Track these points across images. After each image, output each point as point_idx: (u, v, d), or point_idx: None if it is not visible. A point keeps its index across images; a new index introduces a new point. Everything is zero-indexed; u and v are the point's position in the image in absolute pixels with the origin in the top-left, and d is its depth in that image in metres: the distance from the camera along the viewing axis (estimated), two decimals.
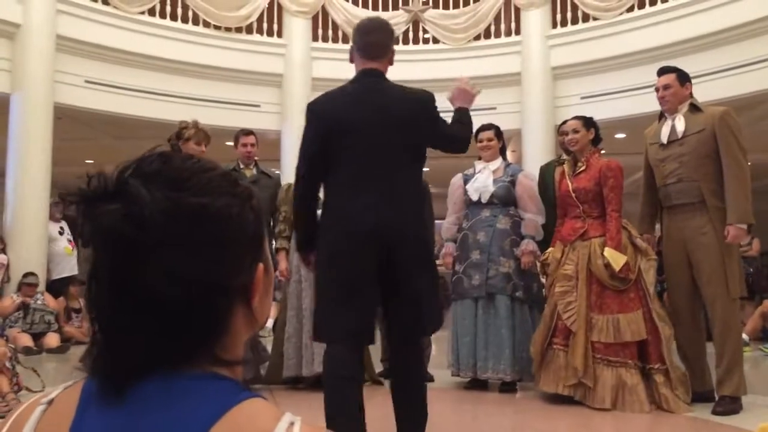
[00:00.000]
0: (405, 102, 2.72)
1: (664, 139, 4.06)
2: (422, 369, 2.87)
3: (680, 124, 4.00)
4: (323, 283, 2.71)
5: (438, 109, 2.79)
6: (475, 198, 4.63)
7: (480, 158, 4.79)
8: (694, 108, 4.04)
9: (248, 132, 5.07)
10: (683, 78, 4.09)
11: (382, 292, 2.65)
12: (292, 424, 0.64)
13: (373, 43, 2.78)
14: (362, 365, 2.76)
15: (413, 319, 2.68)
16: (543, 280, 4.63)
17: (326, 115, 2.70)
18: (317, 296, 2.80)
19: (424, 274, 2.68)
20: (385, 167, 2.65)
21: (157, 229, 0.64)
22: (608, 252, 4.00)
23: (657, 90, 4.12)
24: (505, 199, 4.58)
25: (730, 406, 3.78)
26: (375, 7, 9.95)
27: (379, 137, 2.64)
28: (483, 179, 4.64)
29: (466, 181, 4.74)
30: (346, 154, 2.66)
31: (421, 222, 2.76)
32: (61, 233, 8.14)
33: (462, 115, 2.92)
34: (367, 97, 2.70)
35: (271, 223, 4.91)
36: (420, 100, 2.76)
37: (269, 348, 4.87)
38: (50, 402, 0.71)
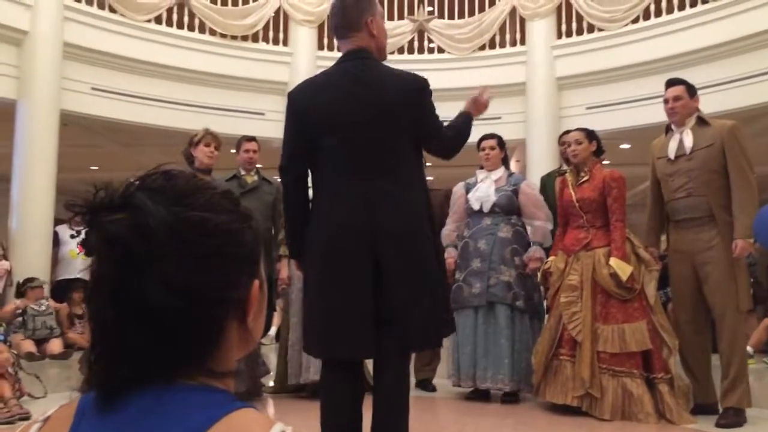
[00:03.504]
0: (394, 89, 2.48)
1: (672, 154, 4.05)
2: (401, 416, 2.47)
3: (688, 139, 3.99)
4: (311, 293, 2.53)
5: (432, 98, 2.57)
6: (476, 207, 4.62)
7: (482, 167, 4.78)
8: (702, 121, 4.03)
9: (250, 138, 5.10)
10: (692, 90, 4.09)
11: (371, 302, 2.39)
12: None
13: (339, 24, 2.56)
14: (361, 378, 2.57)
15: (391, 335, 2.38)
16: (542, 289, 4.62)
17: (309, 111, 2.48)
18: (306, 305, 2.60)
19: (409, 283, 2.40)
20: (374, 165, 2.43)
21: (160, 240, 0.67)
22: (614, 262, 4.00)
23: (666, 102, 4.11)
24: (507, 208, 4.57)
25: (734, 418, 3.76)
26: None
27: (368, 133, 2.43)
28: (485, 188, 4.63)
29: (468, 189, 4.74)
30: (331, 151, 2.45)
31: (416, 225, 2.47)
32: (73, 237, 8.14)
33: (460, 120, 2.71)
34: (353, 88, 2.46)
35: (272, 230, 4.91)
36: (411, 86, 2.51)
37: (271, 358, 4.87)
38: (47, 419, 0.73)
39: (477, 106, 2.78)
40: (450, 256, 4.70)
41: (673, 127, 4.12)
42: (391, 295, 2.38)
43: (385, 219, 2.41)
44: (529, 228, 4.64)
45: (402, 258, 2.40)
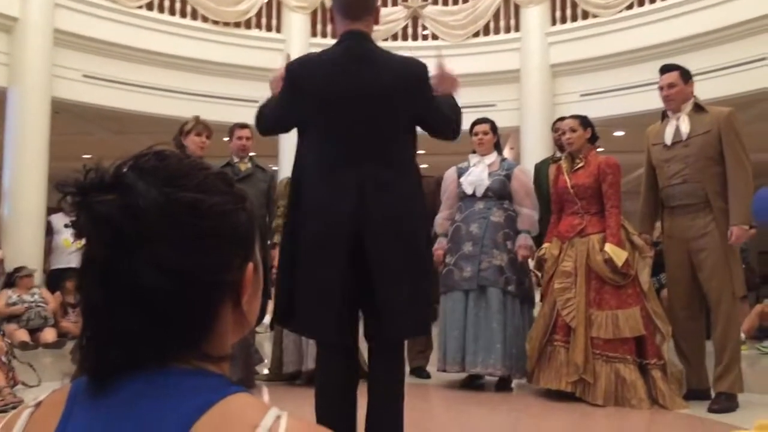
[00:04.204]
0: (395, 73, 2.45)
1: (668, 140, 4.05)
2: (396, 403, 2.47)
3: (684, 125, 3.99)
4: (304, 277, 2.45)
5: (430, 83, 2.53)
6: (469, 191, 4.60)
7: (474, 152, 4.77)
8: (699, 108, 4.02)
9: (243, 125, 5.04)
10: (686, 76, 4.08)
11: (359, 289, 2.39)
12: (278, 417, 0.64)
13: (357, 2, 2.49)
14: (355, 364, 2.57)
15: (384, 322, 2.38)
16: (539, 274, 4.62)
17: (305, 85, 2.44)
18: (279, 275, 2.52)
19: (403, 271, 2.38)
20: (368, 149, 2.40)
21: (150, 221, 0.66)
22: (610, 248, 4.00)
23: (661, 89, 4.10)
24: (500, 192, 4.56)
25: (727, 403, 3.78)
26: None
27: (363, 114, 2.39)
28: (478, 173, 4.62)
29: (460, 174, 4.72)
30: (325, 131, 2.43)
31: (408, 212, 2.44)
32: (67, 226, 8.12)
33: (446, 104, 2.59)
34: (351, 68, 2.43)
35: (267, 218, 4.90)
36: (412, 71, 2.49)
37: (265, 346, 4.87)
38: (38, 405, 0.72)
39: (445, 83, 2.62)
40: (440, 246, 4.68)
41: (669, 113, 4.12)
42: (381, 283, 2.36)
43: (378, 206, 2.38)
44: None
45: (393, 246, 2.38)
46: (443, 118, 2.57)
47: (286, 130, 2.63)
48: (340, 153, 2.42)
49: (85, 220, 0.67)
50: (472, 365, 4.39)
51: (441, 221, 4.76)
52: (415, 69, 2.51)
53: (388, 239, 2.38)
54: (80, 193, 0.67)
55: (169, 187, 0.68)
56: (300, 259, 2.48)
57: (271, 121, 2.61)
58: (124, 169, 0.69)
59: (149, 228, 0.65)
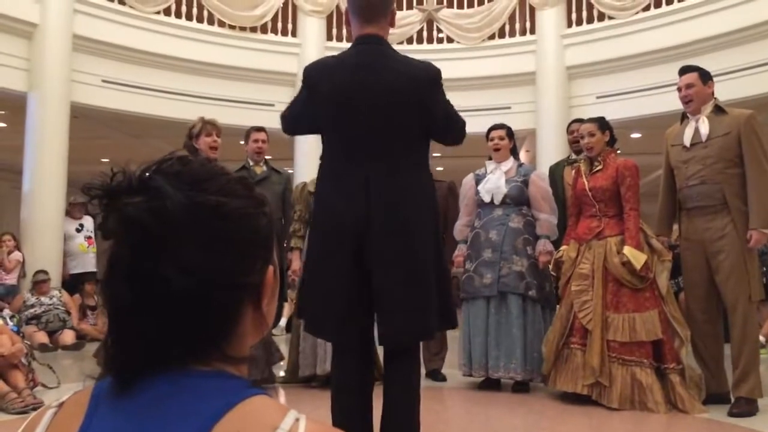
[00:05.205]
0: (406, 77, 2.44)
1: (687, 141, 4.02)
2: (412, 406, 2.47)
3: (704, 127, 3.96)
4: (311, 276, 2.57)
5: (443, 87, 2.54)
6: (487, 199, 4.60)
7: (490, 158, 4.76)
8: (719, 109, 3.99)
9: (259, 128, 5.06)
10: (705, 77, 4.05)
11: (371, 291, 2.40)
12: (297, 419, 0.65)
13: (370, 3, 2.50)
14: (371, 365, 2.58)
15: (384, 324, 2.38)
16: (555, 275, 4.60)
17: (319, 90, 2.48)
18: (306, 281, 2.63)
19: (404, 274, 2.37)
20: (378, 151, 2.42)
21: (176, 223, 0.67)
22: (628, 250, 3.98)
23: (679, 90, 4.07)
24: (518, 199, 4.56)
25: (746, 407, 3.75)
26: None
27: (373, 119, 2.41)
28: (495, 180, 4.61)
29: (477, 181, 4.72)
30: (335, 135, 2.48)
31: (415, 213, 2.43)
32: (78, 231, 8.21)
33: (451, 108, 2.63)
34: (362, 73, 2.44)
35: (282, 221, 4.92)
36: (424, 75, 2.49)
37: (282, 347, 4.90)
38: (61, 405, 0.73)
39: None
40: (460, 253, 4.69)
41: (688, 114, 4.09)
42: (379, 286, 2.39)
43: (382, 207, 2.39)
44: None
45: (395, 248, 2.38)
46: (450, 118, 2.59)
47: (308, 129, 2.68)
48: (349, 156, 2.45)
49: (113, 222, 0.68)
50: (495, 369, 4.44)
51: (461, 228, 4.77)
52: (427, 73, 2.51)
53: (390, 241, 2.38)
54: (108, 196, 0.69)
55: (193, 191, 0.69)
56: (311, 262, 2.54)
57: (291, 120, 2.66)
58: (150, 173, 0.70)
59: (175, 230, 0.67)
